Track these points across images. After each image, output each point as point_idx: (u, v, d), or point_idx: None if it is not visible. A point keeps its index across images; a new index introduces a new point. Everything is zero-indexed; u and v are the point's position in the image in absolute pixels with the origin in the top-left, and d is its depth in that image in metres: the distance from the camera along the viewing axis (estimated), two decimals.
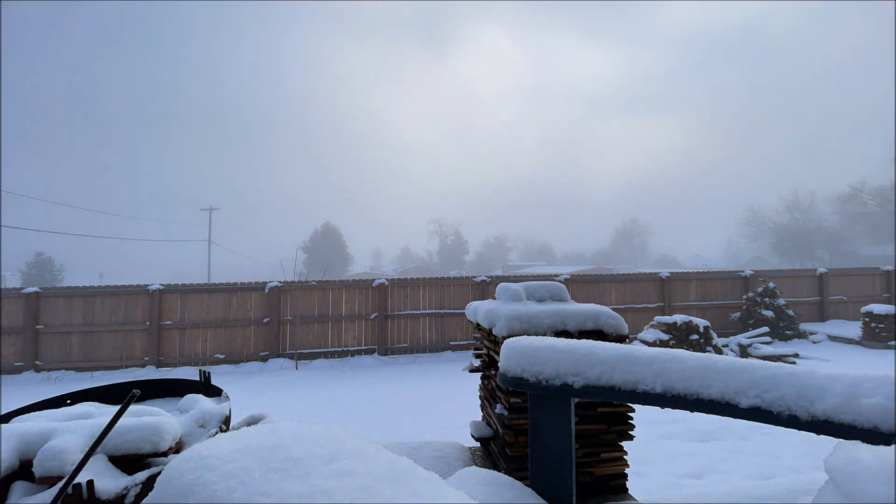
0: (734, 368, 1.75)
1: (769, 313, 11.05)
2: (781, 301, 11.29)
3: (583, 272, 23.06)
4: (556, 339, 2.23)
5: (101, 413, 2.22)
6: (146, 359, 9.42)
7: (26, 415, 2.24)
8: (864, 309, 10.47)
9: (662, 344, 8.86)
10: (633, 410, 2.87)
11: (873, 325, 10.20)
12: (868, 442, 1.40)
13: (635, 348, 2.02)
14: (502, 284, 3.46)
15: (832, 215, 46.17)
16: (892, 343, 9.93)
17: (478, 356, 3.81)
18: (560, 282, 4.18)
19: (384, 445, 1.41)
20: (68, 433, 1.90)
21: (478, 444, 3.60)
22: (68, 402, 2.58)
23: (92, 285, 9.62)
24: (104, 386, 2.77)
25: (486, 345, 3.43)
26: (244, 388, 7.72)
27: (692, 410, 1.78)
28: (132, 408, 2.12)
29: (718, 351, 9.00)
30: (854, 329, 11.20)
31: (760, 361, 1.77)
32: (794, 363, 2.23)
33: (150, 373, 9.17)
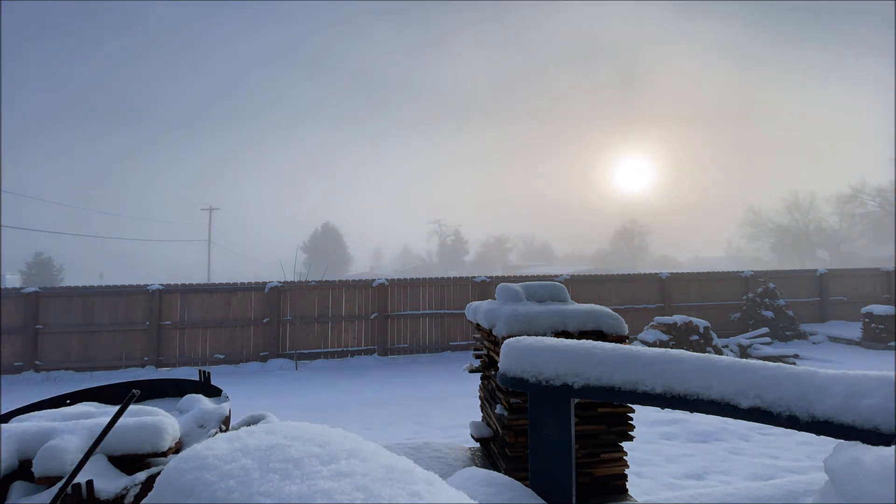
0: (734, 369, 1.75)
1: (769, 314, 11.05)
2: (781, 301, 11.29)
3: (583, 273, 23.07)
4: (556, 339, 2.23)
5: (101, 413, 2.22)
6: (146, 359, 9.42)
7: (26, 415, 2.24)
8: (864, 309, 10.46)
9: (662, 344, 8.86)
10: (632, 411, 2.87)
11: (873, 325, 10.19)
12: (868, 442, 1.40)
13: (635, 349, 2.01)
14: (502, 284, 3.45)
15: (832, 215, 46.19)
16: (892, 343, 9.93)
17: (478, 356, 3.81)
18: (560, 282, 4.17)
19: (384, 445, 1.41)
20: (68, 433, 1.89)
21: (478, 445, 3.60)
22: (68, 402, 2.57)
23: (92, 285, 9.62)
24: (104, 386, 2.77)
25: (486, 345, 3.43)
26: (244, 388, 7.72)
27: (692, 411, 1.78)
28: (132, 408, 2.12)
29: (718, 351, 9.00)
30: (854, 329, 11.20)
31: (760, 362, 1.77)
32: (794, 364, 2.22)
33: (150, 373, 9.17)
